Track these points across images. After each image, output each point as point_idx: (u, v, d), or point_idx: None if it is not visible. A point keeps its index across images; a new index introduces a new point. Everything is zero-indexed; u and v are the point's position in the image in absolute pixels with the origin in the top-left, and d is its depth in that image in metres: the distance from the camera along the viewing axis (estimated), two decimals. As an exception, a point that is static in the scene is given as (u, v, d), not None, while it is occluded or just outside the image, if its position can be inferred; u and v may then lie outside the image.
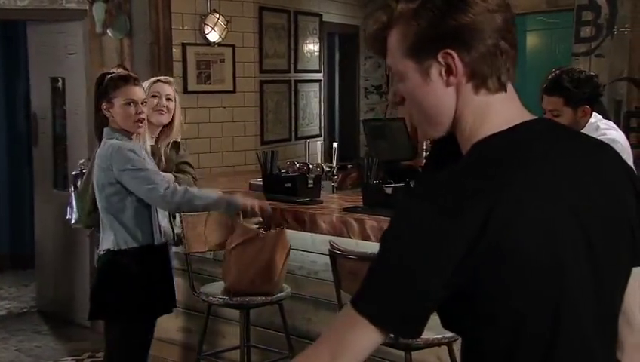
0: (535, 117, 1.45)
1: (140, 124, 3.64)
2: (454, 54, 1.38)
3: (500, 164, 1.35)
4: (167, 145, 4.27)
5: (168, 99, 4.22)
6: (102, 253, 3.67)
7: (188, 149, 4.59)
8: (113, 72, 3.75)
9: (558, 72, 3.71)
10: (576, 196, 1.37)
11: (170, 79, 4.41)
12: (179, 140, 4.35)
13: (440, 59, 1.39)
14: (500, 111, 1.42)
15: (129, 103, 3.59)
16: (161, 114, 4.19)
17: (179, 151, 4.35)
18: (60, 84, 6.30)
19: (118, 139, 3.60)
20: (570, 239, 1.35)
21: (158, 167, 4.07)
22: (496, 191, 1.31)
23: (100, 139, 3.69)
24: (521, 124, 1.41)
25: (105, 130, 3.65)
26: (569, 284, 1.35)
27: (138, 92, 3.65)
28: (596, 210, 1.39)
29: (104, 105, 3.62)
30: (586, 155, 1.45)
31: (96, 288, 3.72)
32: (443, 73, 1.40)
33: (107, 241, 3.65)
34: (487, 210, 1.29)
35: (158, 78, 4.37)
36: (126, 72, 3.75)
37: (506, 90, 1.43)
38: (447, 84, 1.41)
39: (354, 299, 1.38)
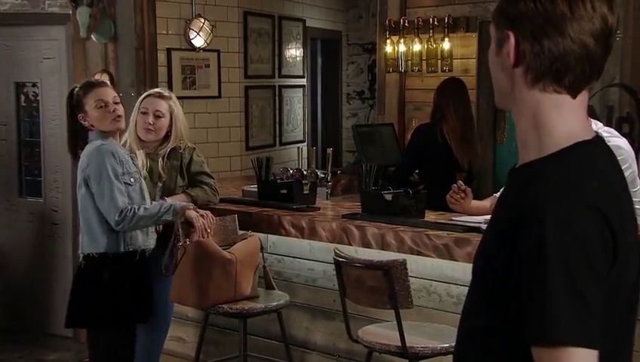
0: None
1: (119, 119, 3.65)
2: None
3: None
4: (164, 155, 4.06)
5: (157, 116, 4.02)
6: (79, 256, 3.67)
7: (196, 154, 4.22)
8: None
9: None
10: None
11: (165, 93, 4.13)
12: (180, 151, 4.11)
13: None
14: None
15: (101, 105, 3.62)
16: (148, 131, 4.03)
17: (191, 159, 4.14)
18: (28, 89, 6.13)
19: (102, 139, 3.62)
20: None
21: (159, 178, 4.00)
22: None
23: (74, 153, 3.75)
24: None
25: (89, 133, 3.67)
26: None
27: (106, 92, 3.69)
28: None
29: (80, 116, 3.65)
30: None
31: (71, 295, 3.69)
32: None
33: (82, 244, 3.65)
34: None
35: (150, 92, 4.16)
36: (94, 79, 3.75)
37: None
38: None
39: (549, 335, 1.23)
